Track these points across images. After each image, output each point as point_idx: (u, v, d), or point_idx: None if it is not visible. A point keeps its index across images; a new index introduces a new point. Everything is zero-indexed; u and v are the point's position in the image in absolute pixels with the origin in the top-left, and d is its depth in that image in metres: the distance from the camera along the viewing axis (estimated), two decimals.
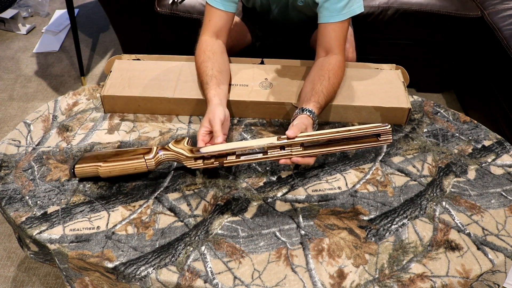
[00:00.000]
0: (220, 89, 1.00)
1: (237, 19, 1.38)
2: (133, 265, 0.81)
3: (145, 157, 0.90)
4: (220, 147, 0.88)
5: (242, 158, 0.88)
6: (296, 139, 0.84)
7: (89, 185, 0.95)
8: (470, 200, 0.94)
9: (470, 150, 1.06)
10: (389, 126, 0.81)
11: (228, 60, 1.13)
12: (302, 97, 1.01)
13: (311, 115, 0.94)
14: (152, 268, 0.81)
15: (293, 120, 0.95)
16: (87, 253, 0.83)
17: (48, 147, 1.04)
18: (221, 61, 1.08)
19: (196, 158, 0.90)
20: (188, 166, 0.90)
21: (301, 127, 0.88)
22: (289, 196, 0.94)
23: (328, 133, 0.83)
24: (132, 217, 0.89)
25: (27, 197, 0.92)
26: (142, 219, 0.89)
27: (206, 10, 1.12)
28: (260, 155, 0.87)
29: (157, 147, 0.92)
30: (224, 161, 0.88)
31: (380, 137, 0.82)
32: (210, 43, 1.09)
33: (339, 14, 1.06)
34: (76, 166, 0.93)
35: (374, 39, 1.84)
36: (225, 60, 1.10)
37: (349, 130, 0.82)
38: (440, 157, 1.04)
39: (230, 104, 1.08)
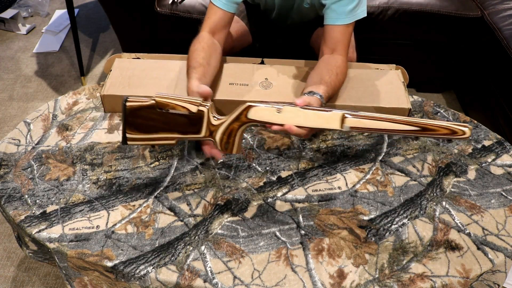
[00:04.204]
0: (204, 77, 0.98)
1: (237, 19, 1.38)
2: (133, 264, 0.81)
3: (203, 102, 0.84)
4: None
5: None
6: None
7: (88, 185, 0.95)
8: (470, 200, 0.94)
9: (470, 150, 1.05)
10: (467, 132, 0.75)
11: (221, 58, 1.12)
12: (310, 84, 1.00)
13: (321, 99, 0.92)
14: (151, 267, 0.81)
15: None
16: (86, 252, 0.83)
17: (48, 146, 1.04)
18: (212, 55, 1.07)
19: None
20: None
21: (310, 101, 0.85)
22: (289, 196, 0.94)
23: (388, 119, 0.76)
24: (132, 216, 0.89)
25: (26, 196, 0.92)
26: (142, 218, 0.89)
27: (208, 8, 1.13)
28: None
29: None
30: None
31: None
32: (207, 38, 1.10)
33: (346, 17, 1.07)
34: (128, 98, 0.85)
35: (374, 39, 1.84)
36: (217, 57, 1.09)
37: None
38: (440, 157, 1.03)
39: (230, 104, 1.08)
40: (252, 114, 0.81)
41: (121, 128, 1.09)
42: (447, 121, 1.13)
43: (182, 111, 0.83)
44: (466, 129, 0.74)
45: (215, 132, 0.84)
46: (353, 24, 1.10)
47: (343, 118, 0.78)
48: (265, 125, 0.83)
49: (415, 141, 1.07)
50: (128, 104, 0.83)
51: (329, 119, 0.79)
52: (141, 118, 0.84)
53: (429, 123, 0.74)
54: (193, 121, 0.84)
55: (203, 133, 0.84)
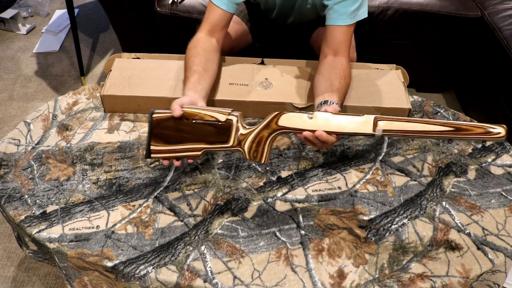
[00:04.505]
0: (199, 84, 0.98)
1: (237, 19, 1.38)
2: (133, 264, 0.81)
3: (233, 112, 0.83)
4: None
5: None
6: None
7: (88, 185, 0.95)
8: (470, 200, 0.94)
9: (470, 150, 1.05)
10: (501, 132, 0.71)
11: (219, 59, 1.11)
12: (321, 91, 0.99)
13: (338, 108, 0.91)
14: (151, 267, 0.81)
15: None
16: (86, 252, 0.83)
17: (48, 146, 1.04)
18: (209, 59, 1.06)
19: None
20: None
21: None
22: (289, 196, 0.94)
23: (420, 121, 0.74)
24: (131, 216, 0.89)
25: (26, 196, 0.92)
26: (141, 218, 0.89)
27: (207, 7, 1.13)
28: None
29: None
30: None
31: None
32: (203, 40, 1.09)
33: (348, 17, 1.07)
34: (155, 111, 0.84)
35: (374, 39, 1.84)
36: (214, 59, 1.08)
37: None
38: (440, 157, 1.03)
39: (230, 104, 1.08)
40: (283, 121, 0.80)
41: (120, 128, 1.09)
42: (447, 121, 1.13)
43: (210, 120, 0.82)
44: (501, 129, 0.71)
45: (244, 141, 0.82)
46: (355, 24, 1.10)
47: (376, 122, 0.76)
48: (294, 132, 0.81)
49: (415, 141, 1.07)
50: (154, 116, 0.83)
51: (361, 124, 0.77)
52: (167, 129, 0.84)
53: (463, 123, 0.72)
54: (221, 130, 0.83)
55: (231, 143, 0.83)
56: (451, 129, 0.72)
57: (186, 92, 0.95)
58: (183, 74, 1.08)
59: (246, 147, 0.82)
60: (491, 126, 0.71)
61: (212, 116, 0.82)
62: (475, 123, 0.72)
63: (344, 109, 1.09)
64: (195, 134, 0.83)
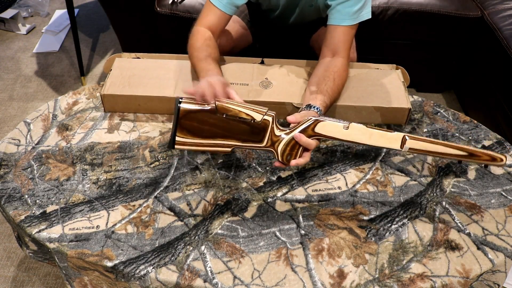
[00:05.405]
0: (218, 68, 0.99)
1: (238, 19, 1.38)
2: (133, 264, 0.81)
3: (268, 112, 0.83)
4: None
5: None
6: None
7: (88, 185, 0.95)
8: (470, 200, 0.94)
9: None
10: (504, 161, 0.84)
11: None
12: (307, 96, 1.01)
13: (318, 113, 0.93)
14: (151, 267, 0.81)
15: None
16: (86, 252, 0.83)
17: (48, 146, 1.04)
18: (215, 48, 1.08)
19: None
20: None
21: (305, 116, 0.86)
22: (289, 196, 0.94)
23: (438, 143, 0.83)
24: (132, 216, 0.89)
25: (26, 196, 0.92)
26: (142, 218, 0.89)
27: (205, 6, 1.12)
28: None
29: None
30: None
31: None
32: (208, 33, 1.10)
33: (350, 18, 1.07)
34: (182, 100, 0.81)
35: (374, 39, 1.84)
36: (218, 51, 1.10)
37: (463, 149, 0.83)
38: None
39: None
40: (320, 129, 0.83)
41: (120, 128, 1.09)
42: (447, 121, 1.13)
43: (245, 118, 0.82)
44: (503, 158, 0.84)
45: (278, 143, 0.83)
46: (357, 25, 1.10)
47: (404, 140, 0.82)
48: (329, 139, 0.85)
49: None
50: (182, 106, 0.81)
51: (391, 139, 0.83)
52: (197, 122, 0.82)
53: (476, 150, 0.82)
54: (256, 129, 0.83)
55: (265, 143, 0.83)
56: (466, 153, 0.83)
57: (210, 71, 0.94)
58: (185, 70, 1.08)
59: (279, 149, 0.84)
60: (497, 155, 0.84)
61: (248, 114, 0.82)
62: (486, 151, 0.83)
63: (344, 109, 1.09)
64: (226, 130, 0.82)
